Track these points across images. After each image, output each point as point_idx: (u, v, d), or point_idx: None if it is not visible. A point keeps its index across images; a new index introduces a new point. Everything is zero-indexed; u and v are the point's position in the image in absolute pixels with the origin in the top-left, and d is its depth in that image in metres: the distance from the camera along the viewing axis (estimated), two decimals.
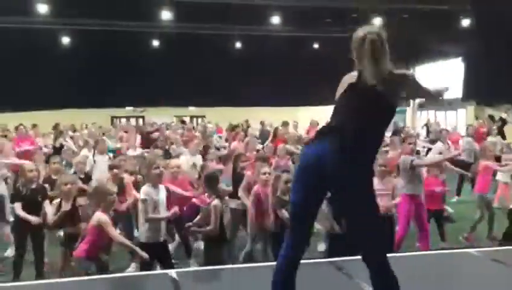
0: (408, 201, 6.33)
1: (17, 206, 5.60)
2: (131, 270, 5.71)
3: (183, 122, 16.70)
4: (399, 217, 6.32)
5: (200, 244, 6.85)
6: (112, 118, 22.21)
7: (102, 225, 4.42)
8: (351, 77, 2.85)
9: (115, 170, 6.22)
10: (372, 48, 2.78)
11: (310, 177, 2.69)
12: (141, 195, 4.94)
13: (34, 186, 5.63)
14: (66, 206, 5.09)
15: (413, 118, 23.05)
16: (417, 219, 6.42)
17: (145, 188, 4.96)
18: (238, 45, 19.43)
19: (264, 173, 5.58)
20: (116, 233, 4.73)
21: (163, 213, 4.98)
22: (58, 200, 5.27)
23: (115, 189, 5.14)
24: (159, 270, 4.56)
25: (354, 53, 2.81)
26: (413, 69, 23.18)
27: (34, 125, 12.06)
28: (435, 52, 19.04)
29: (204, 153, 8.43)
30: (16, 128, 11.26)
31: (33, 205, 5.58)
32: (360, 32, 2.80)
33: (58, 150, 9.92)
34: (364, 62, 2.76)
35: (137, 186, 6.39)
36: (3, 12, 15.21)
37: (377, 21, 16.91)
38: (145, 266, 4.77)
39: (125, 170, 6.64)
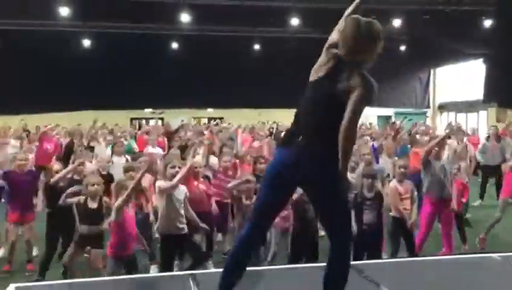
0: (429, 204, 6.25)
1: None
2: (155, 271, 5.76)
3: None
4: (420, 220, 6.25)
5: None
6: (132, 119, 22.43)
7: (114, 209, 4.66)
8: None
9: (131, 173, 6.22)
10: None
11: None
12: (156, 189, 5.09)
13: (62, 184, 5.76)
14: (93, 205, 5.19)
15: (434, 120, 22.80)
16: (441, 222, 6.33)
17: (160, 182, 5.18)
18: (257, 46, 19.45)
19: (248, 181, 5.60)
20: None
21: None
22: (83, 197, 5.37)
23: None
24: (180, 272, 4.58)
25: (358, 43, 2.74)
26: (433, 70, 22.98)
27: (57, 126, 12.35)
28: (456, 53, 18.78)
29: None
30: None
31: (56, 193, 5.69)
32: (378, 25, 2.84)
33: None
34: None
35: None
36: (25, 15, 15.48)
37: (397, 23, 16.80)
38: (166, 258, 4.89)
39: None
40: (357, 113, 2.65)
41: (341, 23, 2.89)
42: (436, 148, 6.29)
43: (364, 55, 2.75)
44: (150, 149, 9.19)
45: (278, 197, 2.88)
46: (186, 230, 5.23)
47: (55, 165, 6.13)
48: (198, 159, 6.94)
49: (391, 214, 5.92)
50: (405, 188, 5.88)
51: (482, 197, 9.94)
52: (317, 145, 2.71)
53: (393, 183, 6.07)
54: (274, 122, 17.48)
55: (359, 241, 5.12)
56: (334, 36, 2.89)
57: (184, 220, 5.21)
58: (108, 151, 9.26)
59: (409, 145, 9.18)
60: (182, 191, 5.28)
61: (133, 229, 4.95)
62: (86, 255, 5.25)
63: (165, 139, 11.18)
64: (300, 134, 2.77)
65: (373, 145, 8.84)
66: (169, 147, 9.91)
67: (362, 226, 5.32)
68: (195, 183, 6.02)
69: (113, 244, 4.79)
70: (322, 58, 2.87)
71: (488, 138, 10.80)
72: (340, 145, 2.63)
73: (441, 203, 6.21)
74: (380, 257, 5.53)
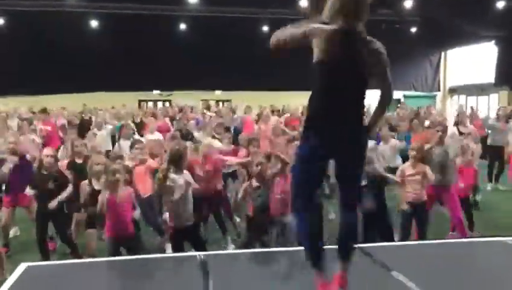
0: (429, 190, 6.19)
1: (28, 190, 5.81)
2: (169, 251, 5.82)
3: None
4: None
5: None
6: (140, 101, 22.44)
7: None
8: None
9: (119, 160, 6.19)
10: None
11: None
12: (168, 182, 5.04)
13: (46, 172, 5.74)
14: (98, 186, 5.21)
15: (444, 103, 22.59)
16: (447, 207, 6.31)
17: (172, 176, 5.11)
18: (265, 28, 19.26)
19: (257, 165, 5.54)
20: None
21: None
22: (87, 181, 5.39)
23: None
24: (188, 253, 4.60)
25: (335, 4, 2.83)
26: (444, 52, 22.69)
27: (63, 108, 12.43)
28: (467, 35, 18.49)
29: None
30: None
31: (44, 190, 5.70)
32: None
33: (82, 130, 10.06)
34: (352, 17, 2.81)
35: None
36: None
37: (408, 4, 16.57)
38: (176, 249, 4.93)
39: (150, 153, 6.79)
40: (388, 74, 2.87)
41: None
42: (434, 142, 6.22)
43: (367, 14, 2.87)
44: (148, 136, 9.09)
45: (317, 176, 3.03)
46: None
47: (46, 150, 6.11)
48: (210, 140, 6.98)
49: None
50: (417, 171, 5.82)
51: (491, 180, 9.92)
52: (353, 119, 2.87)
53: (403, 166, 6.06)
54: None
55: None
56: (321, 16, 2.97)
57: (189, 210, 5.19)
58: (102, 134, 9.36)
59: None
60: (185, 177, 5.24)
61: (126, 212, 4.94)
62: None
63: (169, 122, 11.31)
64: (326, 116, 2.83)
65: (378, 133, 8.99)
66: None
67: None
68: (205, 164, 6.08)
69: (107, 225, 4.88)
70: (319, 41, 2.88)
71: (497, 118, 10.70)
72: (382, 105, 2.93)
73: (441, 188, 6.17)
74: (392, 239, 5.54)
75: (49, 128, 10.34)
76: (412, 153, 5.94)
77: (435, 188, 6.18)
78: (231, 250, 5.89)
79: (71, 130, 8.84)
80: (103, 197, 4.84)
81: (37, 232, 5.82)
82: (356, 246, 3.07)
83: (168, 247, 6.06)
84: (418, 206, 5.80)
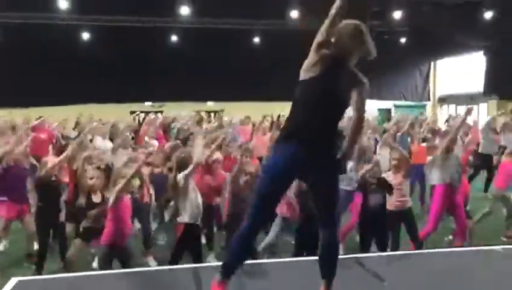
0: (442, 195, 6.13)
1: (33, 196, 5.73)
2: (153, 265, 5.77)
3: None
4: (431, 210, 6.20)
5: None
6: (131, 112, 22.39)
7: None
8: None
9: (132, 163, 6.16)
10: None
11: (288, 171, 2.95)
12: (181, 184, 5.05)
13: (54, 178, 5.71)
14: (96, 199, 5.18)
15: (434, 112, 22.74)
16: (456, 217, 6.24)
17: (182, 175, 5.09)
18: (257, 40, 19.36)
19: (247, 174, 5.51)
20: None
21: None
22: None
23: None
24: (181, 265, 4.58)
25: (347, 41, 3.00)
26: (434, 62, 22.90)
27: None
28: (456, 45, 18.69)
29: None
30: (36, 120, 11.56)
31: (52, 196, 5.66)
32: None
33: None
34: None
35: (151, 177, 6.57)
36: (24, 8, 15.41)
37: (397, 14, 16.73)
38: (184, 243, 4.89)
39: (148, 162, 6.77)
40: (365, 105, 2.97)
41: (326, 24, 3.09)
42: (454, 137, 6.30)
43: (356, 54, 3.03)
44: (148, 141, 9.11)
45: (284, 189, 3.10)
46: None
47: (50, 158, 6.07)
48: (218, 154, 6.96)
49: (387, 208, 5.85)
50: (398, 180, 5.82)
51: (486, 190, 9.98)
52: (325, 138, 2.94)
53: (385, 175, 6.05)
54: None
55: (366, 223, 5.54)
56: (320, 37, 3.07)
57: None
58: (107, 144, 9.26)
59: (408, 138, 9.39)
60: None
61: (128, 219, 4.90)
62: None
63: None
64: (306, 129, 2.91)
65: (376, 138, 9.09)
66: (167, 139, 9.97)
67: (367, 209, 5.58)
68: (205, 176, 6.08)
69: (108, 232, 4.70)
70: (313, 57, 3.01)
71: (492, 129, 10.81)
72: (352, 134, 2.97)
73: (454, 192, 6.15)
74: (386, 241, 5.56)
75: (42, 135, 10.20)
76: (393, 162, 5.96)
77: (453, 190, 6.12)
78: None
79: (72, 142, 8.77)
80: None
81: (40, 244, 5.67)
82: (337, 264, 3.09)
83: (151, 260, 6.04)
84: (401, 214, 5.80)
